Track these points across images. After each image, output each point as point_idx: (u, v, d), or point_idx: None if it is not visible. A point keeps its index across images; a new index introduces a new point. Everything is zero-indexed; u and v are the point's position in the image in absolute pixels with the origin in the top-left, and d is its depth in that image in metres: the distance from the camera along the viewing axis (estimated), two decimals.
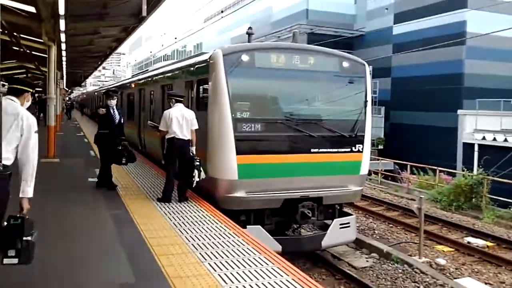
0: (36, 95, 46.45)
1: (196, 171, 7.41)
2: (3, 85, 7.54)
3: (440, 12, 28.72)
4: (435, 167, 19.26)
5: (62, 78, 25.48)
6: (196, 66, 8.92)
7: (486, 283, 8.81)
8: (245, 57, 7.73)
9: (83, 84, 51.99)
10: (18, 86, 4.10)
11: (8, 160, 3.74)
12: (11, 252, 3.72)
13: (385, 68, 32.59)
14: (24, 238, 3.72)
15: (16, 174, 3.84)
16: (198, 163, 7.45)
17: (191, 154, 7.53)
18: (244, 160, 7.53)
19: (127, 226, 6.12)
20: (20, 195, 3.80)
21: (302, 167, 8.04)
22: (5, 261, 3.72)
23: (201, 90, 8.65)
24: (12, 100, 3.97)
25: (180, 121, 7.45)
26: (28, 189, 3.82)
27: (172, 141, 7.50)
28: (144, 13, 10.26)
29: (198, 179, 7.43)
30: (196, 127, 7.61)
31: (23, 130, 3.81)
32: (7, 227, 3.70)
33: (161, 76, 12.09)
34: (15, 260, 3.73)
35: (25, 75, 34.32)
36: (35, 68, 24.12)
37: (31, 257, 3.81)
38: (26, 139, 3.82)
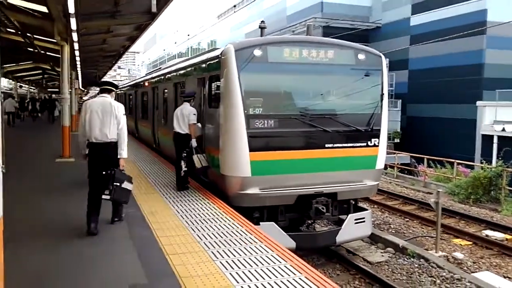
0: (45, 95, 47.09)
1: (182, 162, 8.19)
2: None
3: (460, 1, 27.94)
4: (453, 160, 18.89)
5: (77, 78, 25.68)
6: (208, 62, 8.84)
7: (505, 277, 8.60)
8: (257, 52, 7.54)
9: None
10: (108, 87, 6.01)
11: (114, 138, 5.74)
12: (106, 192, 5.50)
13: (402, 60, 31.95)
14: (114, 183, 5.51)
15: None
16: (185, 154, 8.22)
17: (190, 146, 8.25)
18: (257, 156, 7.44)
19: (139, 225, 6.12)
20: (118, 157, 5.74)
21: (316, 163, 7.90)
22: (103, 196, 5.55)
23: (213, 86, 8.57)
24: (106, 97, 5.90)
25: (179, 117, 8.37)
26: (122, 152, 5.77)
27: (174, 136, 8.51)
28: (154, 9, 10.22)
29: (185, 169, 8.22)
30: (193, 121, 8.30)
31: (117, 116, 5.74)
32: (104, 176, 5.54)
33: (174, 73, 12.06)
34: (108, 197, 5.56)
35: (41, 76, 34.87)
36: (50, 69, 24.39)
37: (117, 198, 5.69)
38: (119, 120, 5.76)
